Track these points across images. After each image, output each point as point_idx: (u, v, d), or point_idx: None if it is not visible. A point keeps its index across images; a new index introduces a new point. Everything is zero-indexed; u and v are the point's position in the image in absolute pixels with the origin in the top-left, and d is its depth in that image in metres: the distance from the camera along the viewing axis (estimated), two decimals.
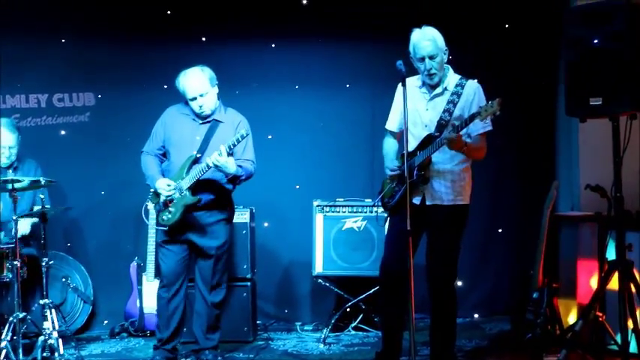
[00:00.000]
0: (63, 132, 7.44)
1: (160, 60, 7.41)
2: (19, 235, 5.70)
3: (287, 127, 7.52)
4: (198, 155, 5.60)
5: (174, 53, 7.36)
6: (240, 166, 5.58)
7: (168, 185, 5.59)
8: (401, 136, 5.26)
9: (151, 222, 6.44)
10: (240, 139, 5.44)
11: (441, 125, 5.08)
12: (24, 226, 6.38)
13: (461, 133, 4.89)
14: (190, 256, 5.80)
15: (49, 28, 7.31)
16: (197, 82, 5.63)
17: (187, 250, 5.75)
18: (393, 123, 5.45)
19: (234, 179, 5.66)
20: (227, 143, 5.42)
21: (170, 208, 5.60)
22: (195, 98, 5.64)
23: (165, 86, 7.30)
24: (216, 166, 5.42)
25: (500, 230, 7.59)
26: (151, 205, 5.84)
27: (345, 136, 7.54)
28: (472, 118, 4.83)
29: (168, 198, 5.60)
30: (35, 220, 6.38)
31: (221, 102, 5.79)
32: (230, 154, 5.47)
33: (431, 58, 5.05)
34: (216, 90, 5.72)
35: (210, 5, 7.37)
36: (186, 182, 5.55)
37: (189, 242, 5.72)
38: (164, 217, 5.63)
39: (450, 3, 7.25)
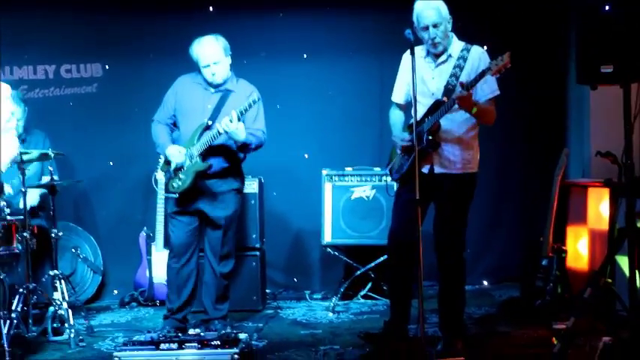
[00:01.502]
0: (71, 103, 7.44)
1: (168, 30, 7.40)
2: (27, 207, 5.70)
3: (295, 97, 7.50)
4: (210, 122, 5.57)
5: (181, 23, 7.34)
6: (250, 134, 5.57)
7: (179, 152, 5.58)
8: (407, 107, 5.24)
9: (160, 191, 6.45)
10: (252, 104, 5.43)
11: (448, 90, 5.03)
12: (32, 197, 6.40)
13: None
14: (200, 226, 5.78)
15: None
16: (211, 50, 5.62)
17: (197, 221, 5.74)
18: (399, 94, 5.39)
19: (244, 147, 5.63)
20: (238, 109, 5.41)
21: (180, 175, 5.58)
22: (208, 66, 5.62)
23: (173, 56, 7.28)
24: (226, 132, 5.41)
25: (509, 197, 7.57)
26: (160, 174, 5.84)
27: (354, 105, 7.52)
28: (483, 74, 4.76)
29: (179, 165, 5.58)
30: (44, 190, 6.39)
31: (233, 72, 5.77)
32: (241, 122, 5.46)
33: (435, 26, 4.99)
34: (229, 60, 5.70)
35: None
36: (197, 149, 5.53)
37: (199, 212, 5.71)
38: (174, 185, 5.62)
39: None
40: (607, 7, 4.84)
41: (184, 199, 5.66)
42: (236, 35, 6.72)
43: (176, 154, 5.59)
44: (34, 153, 5.79)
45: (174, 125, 5.79)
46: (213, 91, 5.71)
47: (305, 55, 7.57)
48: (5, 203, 5.37)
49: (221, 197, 5.69)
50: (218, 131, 5.43)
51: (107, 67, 7.48)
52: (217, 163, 5.61)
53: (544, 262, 5.87)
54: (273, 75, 7.29)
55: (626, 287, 4.83)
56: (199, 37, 5.69)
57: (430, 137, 5.01)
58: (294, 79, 7.52)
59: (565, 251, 5.97)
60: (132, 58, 7.47)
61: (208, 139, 5.50)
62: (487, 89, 4.99)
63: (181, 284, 5.75)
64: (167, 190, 5.71)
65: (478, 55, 5.10)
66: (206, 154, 5.55)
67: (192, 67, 5.77)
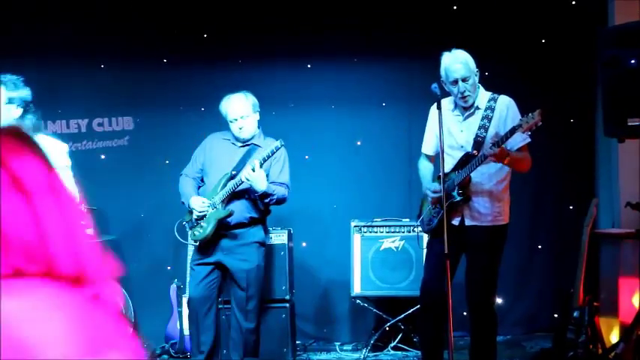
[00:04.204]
0: (103, 156, 7.54)
1: (197, 83, 7.50)
2: None
3: (324, 147, 7.54)
4: (234, 172, 5.62)
5: (211, 76, 7.45)
6: (273, 185, 5.60)
7: (203, 202, 5.63)
8: (436, 158, 5.26)
9: (189, 243, 6.49)
10: (275, 150, 5.46)
11: (477, 143, 5.05)
12: None
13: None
14: (221, 280, 5.76)
15: (88, 54, 7.40)
16: (239, 105, 5.70)
17: (217, 274, 5.72)
18: (428, 146, 5.43)
19: (265, 197, 5.61)
20: (261, 156, 5.47)
21: (202, 223, 5.62)
22: (235, 120, 5.69)
23: (203, 109, 7.40)
24: (247, 180, 5.45)
25: (539, 247, 7.55)
26: (186, 226, 5.86)
27: (382, 156, 7.55)
28: (513, 131, 4.74)
29: (202, 214, 5.63)
30: None
31: (261, 130, 5.84)
32: (263, 171, 5.49)
33: (464, 80, 5.01)
34: (257, 117, 5.77)
35: (246, 27, 7.43)
36: (220, 197, 5.58)
37: (219, 265, 5.70)
38: (196, 233, 5.66)
39: (485, 19, 7.25)
40: (633, 61, 4.88)
41: (204, 248, 5.69)
42: (264, 87, 6.84)
43: (199, 203, 5.63)
44: None
45: (202, 181, 5.86)
46: (239, 145, 5.78)
47: (333, 106, 7.62)
48: None
49: (242, 249, 5.67)
50: (240, 179, 5.48)
51: (138, 120, 7.57)
52: (240, 213, 5.63)
53: (575, 314, 5.82)
54: (302, 126, 7.35)
55: None
56: (229, 94, 5.77)
57: (461, 191, 5.02)
58: (323, 130, 7.56)
59: (596, 304, 5.93)
60: (162, 111, 7.56)
61: (231, 186, 5.55)
62: (518, 137, 4.93)
63: (204, 336, 5.70)
64: (191, 241, 5.76)
65: (506, 105, 5.12)
66: (228, 204, 5.60)
67: (222, 118, 5.85)
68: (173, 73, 7.54)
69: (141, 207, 7.52)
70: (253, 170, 5.40)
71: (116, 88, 7.52)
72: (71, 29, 7.33)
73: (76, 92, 7.47)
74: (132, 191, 7.46)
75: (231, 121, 5.73)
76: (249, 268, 5.66)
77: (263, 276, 5.84)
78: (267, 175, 5.57)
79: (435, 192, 5.18)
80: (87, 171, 7.22)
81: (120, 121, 7.57)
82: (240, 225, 5.66)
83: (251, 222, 5.70)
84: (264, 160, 5.48)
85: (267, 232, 5.89)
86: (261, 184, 5.48)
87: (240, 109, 5.69)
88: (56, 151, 4.36)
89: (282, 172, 5.74)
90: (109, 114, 7.56)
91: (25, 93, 4.33)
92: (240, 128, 5.70)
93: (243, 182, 5.49)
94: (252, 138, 5.76)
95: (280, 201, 5.71)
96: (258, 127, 5.81)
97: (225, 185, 5.61)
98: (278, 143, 5.48)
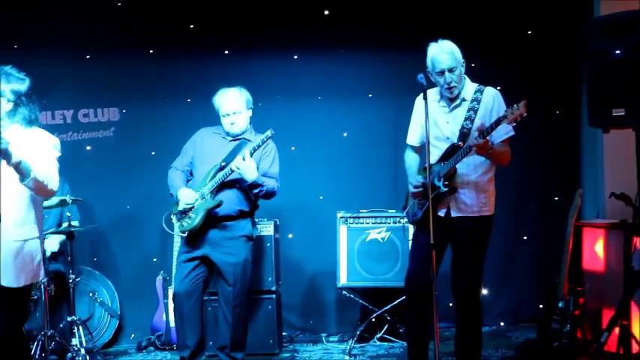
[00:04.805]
0: (88, 147, 7.51)
1: (184, 74, 7.49)
2: (48, 253, 5.75)
3: (310, 139, 7.54)
4: (224, 164, 5.61)
5: (197, 67, 7.45)
6: (264, 177, 5.60)
7: (190, 194, 5.62)
8: (422, 150, 5.26)
9: (176, 235, 6.48)
10: (265, 140, 5.46)
11: (463, 134, 5.04)
12: (52, 244, 6.47)
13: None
14: (206, 274, 5.74)
15: (73, 45, 7.37)
16: (233, 100, 5.71)
17: (202, 269, 5.69)
18: (413, 137, 5.42)
19: (255, 187, 5.60)
20: (251, 146, 5.47)
21: (190, 214, 5.61)
22: (227, 115, 5.70)
23: (189, 100, 7.40)
24: (238, 169, 5.44)
25: (525, 238, 7.58)
26: (174, 218, 5.84)
27: (369, 147, 7.55)
28: (498, 122, 4.75)
29: (189, 205, 5.61)
30: (63, 237, 6.44)
31: (252, 126, 5.83)
32: (253, 160, 5.49)
33: (450, 71, 5.01)
34: (249, 113, 5.79)
35: (233, 18, 7.42)
36: (209, 187, 5.58)
37: (206, 259, 5.68)
38: (184, 224, 5.64)
39: (472, 12, 7.26)
40: (618, 52, 4.89)
41: (192, 240, 5.67)
42: (251, 77, 6.82)
43: (187, 195, 5.63)
44: (54, 199, 5.86)
45: (191, 174, 5.85)
46: (230, 139, 5.77)
47: (319, 97, 7.61)
48: None
49: (229, 243, 5.67)
50: (230, 169, 5.48)
51: (124, 111, 7.54)
52: (229, 205, 5.62)
53: (560, 304, 5.86)
54: (288, 117, 7.33)
55: None
56: (224, 88, 5.76)
57: (447, 183, 5.03)
58: (309, 121, 7.56)
59: (581, 292, 5.97)
60: (148, 103, 7.54)
61: (221, 176, 5.55)
62: (502, 130, 4.94)
63: (189, 331, 5.69)
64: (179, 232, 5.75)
65: (492, 97, 5.11)
66: (217, 194, 5.59)
67: (208, 109, 5.85)
68: (159, 64, 7.51)
69: (127, 199, 7.50)
70: (244, 159, 5.39)
71: (102, 78, 7.47)
72: (57, 19, 7.30)
73: (62, 83, 7.43)
74: (118, 183, 7.43)
75: (223, 116, 5.73)
76: (235, 262, 5.64)
77: (250, 270, 5.84)
78: (257, 169, 5.57)
79: (416, 187, 5.19)
80: (72, 162, 7.23)
81: (106, 112, 7.54)
82: (228, 217, 5.65)
83: (240, 215, 5.69)
84: (255, 150, 5.48)
85: (254, 225, 5.88)
86: (251, 174, 5.47)
87: (233, 104, 5.70)
88: (44, 143, 4.32)
89: (272, 165, 5.75)
90: (95, 105, 7.53)
91: (18, 86, 4.28)
92: (232, 124, 5.70)
93: (233, 172, 5.48)
94: (243, 133, 5.76)
95: (270, 194, 5.70)
96: (250, 124, 5.81)
97: (214, 176, 5.60)
98: (269, 132, 5.46)
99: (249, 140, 5.70)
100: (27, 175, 4.04)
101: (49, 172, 4.18)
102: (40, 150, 4.23)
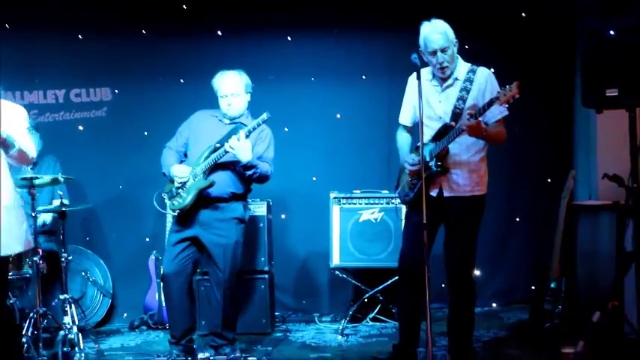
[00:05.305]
0: (80, 127, 7.49)
1: (177, 54, 7.48)
2: (41, 224, 5.75)
3: (303, 119, 7.53)
4: (218, 145, 5.58)
5: (190, 47, 7.44)
6: (258, 159, 5.59)
7: (183, 170, 5.61)
8: (414, 129, 5.25)
9: (168, 214, 6.48)
10: (261, 122, 5.44)
11: (455, 114, 5.03)
12: (46, 216, 6.51)
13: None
14: (196, 255, 5.72)
15: (65, 25, 7.34)
16: (232, 82, 5.70)
17: (192, 250, 5.67)
18: (405, 116, 5.40)
19: (249, 169, 5.56)
20: (247, 128, 5.45)
21: (182, 193, 5.59)
22: (225, 96, 5.68)
23: (182, 80, 7.39)
24: (232, 149, 5.42)
25: (517, 219, 7.60)
26: (165, 196, 5.81)
27: (362, 128, 7.55)
28: (491, 103, 4.74)
29: (182, 182, 5.60)
30: (54, 214, 6.45)
31: (249, 111, 5.81)
32: (248, 141, 5.46)
33: (442, 51, 4.99)
34: (247, 97, 5.77)
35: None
36: (202, 167, 5.56)
37: (196, 240, 5.66)
38: (175, 202, 5.62)
39: None
40: (612, 32, 4.88)
41: (183, 220, 5.65)
42: (244, 58, 6.81)
43: (180, 171, 5.62)
44: (46, 178, 5.86)
45: (185, 156, 5.82)
46: (226, 122, 5.75)
47: (313, 79, 7.60)
48: None
49: (220, 225, 5.63)
50: (225, 150, 5.46)
51: (116, 91, 7.52)
52: (221, 186, 5.60)
53: (552, 285, 5.86)
54: (281, 98, 7.32)
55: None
56: (224, 70, 5.75)
57: (439, 163, 5.02)
58: (302, 102, 7.56)
59: (574, 273, 5.98)
60: (141, 83, 7.52)
61: (214, 157, 5.52)
62: (496, 111, 4.87)
63: (177, 314, 5.69)
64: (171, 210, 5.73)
65: (485, 77, 5.09)
66: (210, 175, 5.57)
67: (202, 90, 5.83)
68: (152, 45, 7.49)
69: (119, 178, 7.49)
70: (238, 140, 5.38)
71: (94, 58, 7.45)
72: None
73: (54, 63, 7.41)
74: (110, 162, 7.42)
75: (221, 97, 5.72)
76: (226, 244, 5.61)
77: (241, 252, 5.80)
78: (252, 152, 5.53)
79: (412, 165, 5.17)
80: (65, 142, 7.26)
81: (98, 92, 7.52)
82: (220, 199, 5.63)
83: (232, 197, 5.67)
84: (250, 132, 5.46)
85: (246, 208, 5.86)
86: (245, 154, 5.45)
87: (232, 86, 5.69)
88: (16, 115, 4.38)
89: (267, 150, 5.74)
90: (87, 85, 7.51)
91: None
92: (229, 105, 5.69)
93: (227, 153, 5.46)
94: (239, 117, 5.74)
95: (263, 177, 5.68)
96: (247, 109, 5.79)
97: (208, 157, 5.58)
98: (264, 115, 5.44)
99: (245, 125, 5.66)
100: (12, 146, 4.11)
101: (28, 142, 4.29)
102: (15, 121, 4.31)
